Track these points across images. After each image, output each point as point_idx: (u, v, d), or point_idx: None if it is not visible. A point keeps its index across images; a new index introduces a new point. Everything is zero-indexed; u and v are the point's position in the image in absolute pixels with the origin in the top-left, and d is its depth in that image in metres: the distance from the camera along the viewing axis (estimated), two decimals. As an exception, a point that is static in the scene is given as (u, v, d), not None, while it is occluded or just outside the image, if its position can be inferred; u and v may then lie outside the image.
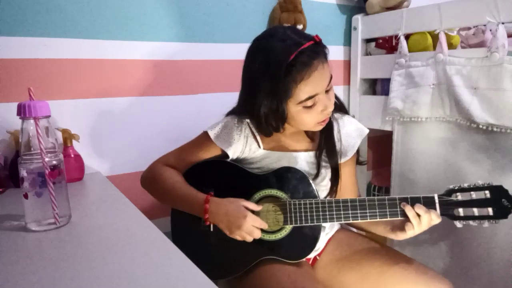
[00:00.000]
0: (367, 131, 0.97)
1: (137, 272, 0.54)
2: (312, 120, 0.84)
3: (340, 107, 0.98)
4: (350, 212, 0.83)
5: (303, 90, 0.79)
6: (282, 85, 0.78)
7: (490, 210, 0.78)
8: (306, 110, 0.82)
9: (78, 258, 0.58)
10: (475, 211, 0.79)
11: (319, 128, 0.87)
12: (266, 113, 0.82)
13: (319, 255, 0.98)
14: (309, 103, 0.81)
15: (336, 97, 0.97)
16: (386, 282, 0.85)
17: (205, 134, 0.92)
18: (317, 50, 0.79)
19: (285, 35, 0.80)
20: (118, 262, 0.57)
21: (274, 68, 0.77)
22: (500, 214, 0.78)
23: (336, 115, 0.96)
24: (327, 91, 0.83)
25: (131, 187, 1.18)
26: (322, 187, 0.94)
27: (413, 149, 1.34)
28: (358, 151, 1.00)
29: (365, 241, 0.96)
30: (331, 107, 0.84)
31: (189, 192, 0.84)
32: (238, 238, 0.80)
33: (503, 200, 0.78)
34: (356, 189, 1.01)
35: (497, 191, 0.79)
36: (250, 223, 0.78)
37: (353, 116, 1.56)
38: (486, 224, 0.78)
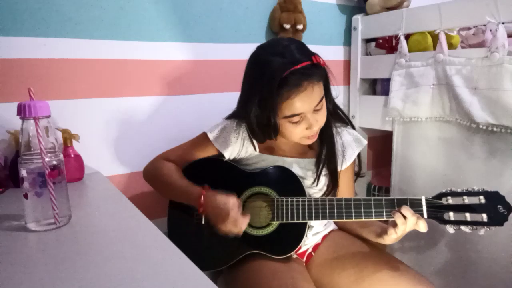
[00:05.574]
0: (365, 142, 0.99)
1: (137, 272, 0.54)
2: (297, 135, 0.86)
3: (342, 119, 0.99)
4: (335, 210, 0.84)
5: (288, 108, 0.81)
6: (271, 99, 0.80)
7: (484, 216, 0.76)
8: (291, 125, 0.85)
9: (78, 258, 0.58)
10: (468, 216, 0.77)
11: (307, 142, 0.89)
12: (257, 121, 0.85)
13: (313, 251, 0.98)
14: (295, 119, 0.83)
15: (339, 109, 0.99)
16: None
17: (204, 135, 0.97)
18: (311, 71, 0.80)
19: (287, 49, 0.81)
20: (118, 262, 0.57)
21: (267, 82, 0.79)
22: (495, 220, 0.75)
23: (337, 125, 0.98)
24: (316, 110, 0.84)
25: (131, 187, 1.19)
26: (314, 189, 0.95)
27: (413, 149, 1.34)
28: (359, 163, 1.01)
29: (361, 244, 0.95)
30: (316, 126, 0.85)
31: (186, 186, 0.89)
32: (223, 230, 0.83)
33: (498, 206, 0.76)
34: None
35: (493, 197, 0.77)
36: (233, 219, 0.80)
37: (353, 117, 1.58)
38: (481, 232, 0.76)
